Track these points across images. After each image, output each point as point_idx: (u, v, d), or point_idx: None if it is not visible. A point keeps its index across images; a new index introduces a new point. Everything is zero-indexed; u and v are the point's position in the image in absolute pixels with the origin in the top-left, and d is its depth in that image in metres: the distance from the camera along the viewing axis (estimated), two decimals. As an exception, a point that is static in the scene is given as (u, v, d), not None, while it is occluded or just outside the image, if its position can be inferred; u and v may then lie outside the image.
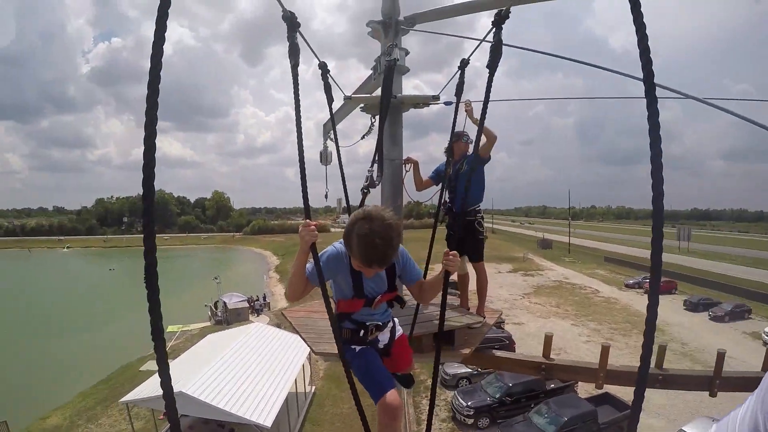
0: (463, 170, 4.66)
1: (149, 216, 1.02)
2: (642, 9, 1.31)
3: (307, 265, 2.54)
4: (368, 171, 3.53)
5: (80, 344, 34.59)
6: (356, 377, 2.58)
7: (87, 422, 21.01)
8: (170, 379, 1.30)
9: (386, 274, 2.71)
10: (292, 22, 2.36)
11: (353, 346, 2.80)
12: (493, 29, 2.47)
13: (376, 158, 3.73)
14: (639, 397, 1.43)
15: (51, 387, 25.85)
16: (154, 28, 1.13)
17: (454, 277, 2.85)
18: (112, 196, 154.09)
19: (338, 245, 2.64)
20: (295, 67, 2.38)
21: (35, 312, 45.44)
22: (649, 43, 1.33)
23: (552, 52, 3.28)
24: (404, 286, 3.08)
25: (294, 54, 2.38)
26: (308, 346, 3.43)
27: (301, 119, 2.31)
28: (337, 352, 3.17)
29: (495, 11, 2.49)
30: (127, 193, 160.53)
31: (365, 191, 3.61)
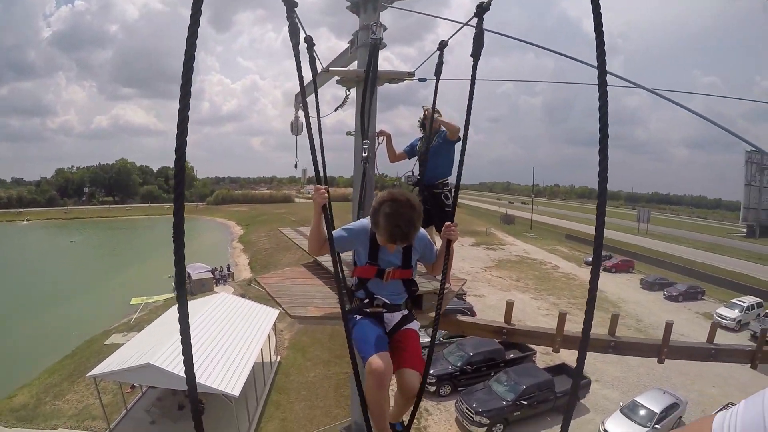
0: (434, 144, 4.84)
1: (180, 188, 1.15)
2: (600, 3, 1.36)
3: (334, 233, 2.76)
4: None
5: (44, 319, 33.59)
6: (354, 344, 2.70)
7: (54, 399, 20.65)
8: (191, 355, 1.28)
9: (402, 254, 2.90)
10: (290, 3, 2.43)
11: (356, 316, 2.92)
12: (475, 19, 2.60)
13: (360, 133, 3.94)
14: (582, 356, 1.56)
15: (15, 365, 25.14)
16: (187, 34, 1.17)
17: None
18: (72, 166, 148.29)
19: (365, 221, 2.91)
20: (296, 45, 2.51)
21: None
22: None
23: (525, 38, 3.45)
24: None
25: (294, 33, 2.49)
26: (284, 310, 3.50)
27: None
28: (310, 314, 3.34)
29: (474, 6, 2.60)
30: (88, 162, 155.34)
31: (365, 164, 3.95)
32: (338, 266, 2.84)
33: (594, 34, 1.37)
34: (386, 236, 2.61)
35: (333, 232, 2.78)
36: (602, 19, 1.37)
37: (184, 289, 1.24)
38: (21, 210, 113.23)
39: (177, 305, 1.25)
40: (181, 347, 1.25)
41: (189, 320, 1.26)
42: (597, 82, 1.39)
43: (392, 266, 2.88)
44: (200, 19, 1.18)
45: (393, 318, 2.95)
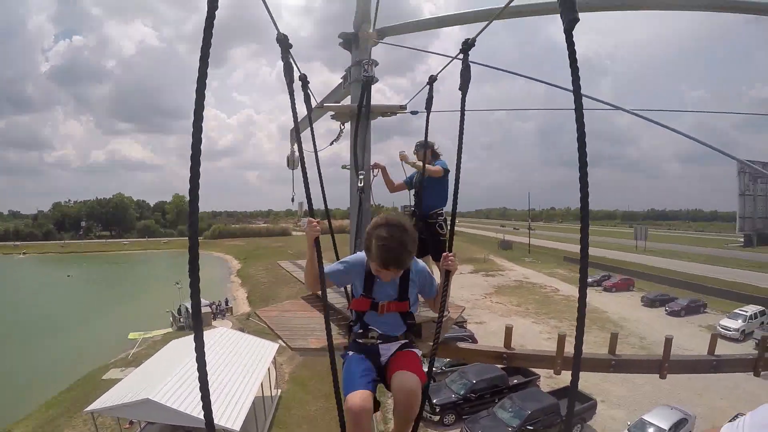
0: (426, 177, 4.94)
1: (194, 219, 1.18)
2: (573, 33, 1.41)
3: (326, 268, 2.76)
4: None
5: (41, 353, 33.36)
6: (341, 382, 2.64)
7: (52, 434, 20.31)
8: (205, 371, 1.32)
9: (399, 286, 2.83)
10: (285, 44, 2.49)
11: (349, 352, 2.88)
12: (461, 54, 2.66)
13: (354, 166, 4.01)
14: (576, 373, 1.51)
15: (11, 399, 24.82)
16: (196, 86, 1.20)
17: None
18: (69, 200, 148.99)
19: (361, 254, 2.87)
20: (290, 84, 2.57)
21: None
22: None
23: (513, 65, 3.54)
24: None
25: (289, 73, 2.56)
26: (284, 343, 3.52)
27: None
28: (310, 346, 3.35)
29: (463, 37, 2.67)
30: (86, 196, 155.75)
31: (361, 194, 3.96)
32: (327, 301, 2.79)
33: (568, 62, 1.42)
34: (379, 261, 2.55)
35: (330, 265, 2.80)
36: (575, 48, 1.41)
37: (201, 326, 1.25)
38: (18, 243, 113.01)
39: (193, 338, 1.27)
40: (200, 390, 1.28)
41: (189, 355, 1.28)
42: (573, 106, 1.41)
43: (388, 299, 2.83)
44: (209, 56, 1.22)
45: (389, 348, 2.85)
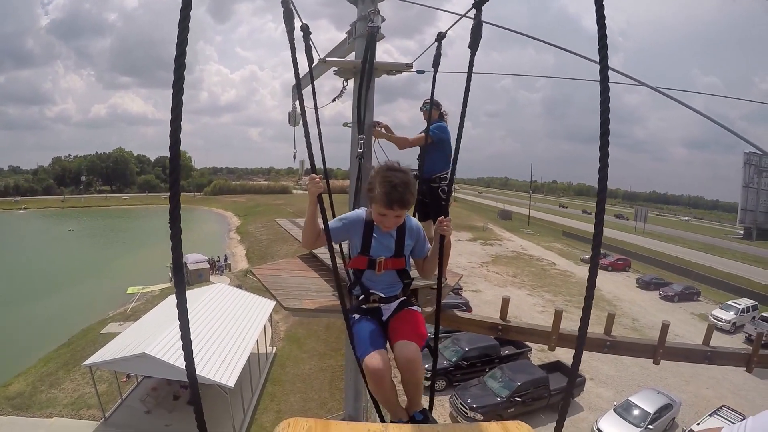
0: (429, 141, 4.83)
1: (176, 174, 1.13)
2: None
3: (329, 223, 2.79)
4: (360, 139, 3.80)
5: (40, 308, 33.56)
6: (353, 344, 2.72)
7: (50, 387, 20.64)
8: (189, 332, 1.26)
9: (395, 241, 2.85)
10: None
11: (354, 315, 2.86)
12: (474, 10, 2.52)
13: (356, 126, 3.90)
14: (578, 354, 1.50)
15: (11, 353, 24.99)
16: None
17: None
18: (69, 155, 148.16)
19: (360, 210, 2.90)
20: (291, 32, 2.50)
21: None
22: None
23: (525, 32, 3.36)
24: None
25: (289, 20, 2.48)
26: (278, 301, 3.48)
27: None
28: (304, 307, 3.32)
29: None
30: (86, 151, 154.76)
31: (360, 159, 3.87)
32: (335, 260, 2.80)
33: (596, 29, 1.34)
34: (384, 201, 2.58)
35: (328, 222, 2.78)
36: (605, 12, 1.32)
37: (183, 281, 1.20)
38: (18, 198, 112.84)
39: (175, 294, 1.23)
40: (181, 341, 1.23)
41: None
42: (599, 77, 1.35)
43: (385, 255, 2.83)
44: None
45: (390, 307, 2.89)
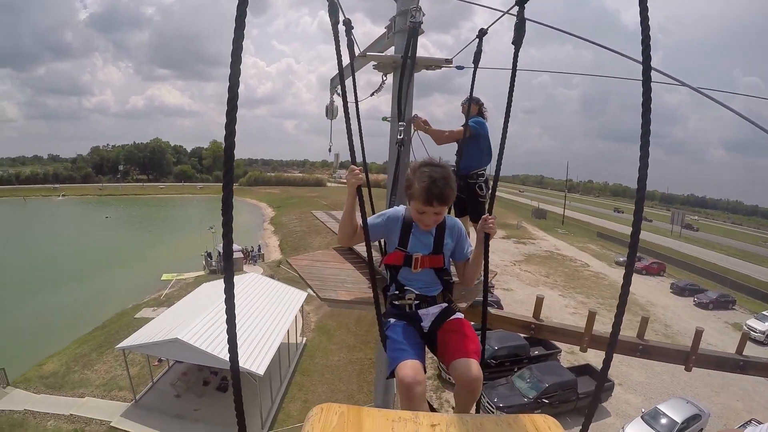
0: (468, 135, 4.79)
1: (229, 163, 1.15)
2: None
3: (368, 220, 2.72)
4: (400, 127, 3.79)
5: (76, 292, 34.67)
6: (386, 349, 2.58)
7: (83, 368, 21.31)
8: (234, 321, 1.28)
9: (434, 238, 2.73)
10: None
11: (390, 319, 2.69)
12: (516, 7, 2.51)
13: (395, 117, 3.91)
14: (609, 356, 1.51)
15: (47, 334, 26.03)
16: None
17: None
18: (108, 144, 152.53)
19: (399, 208, 2.81)
20: (335, 25, 2.51)
21: (31, 260, 45.10)
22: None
23: (566, 30, 3.32)
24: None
25: (334, 12, 2.50)
26: (314, 292, 3.50)
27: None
28: (339, 298, 3.33)
29: None
30: (123, 141, 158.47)
31: (400, 147, 3.81)
32: (371, 257, 2.74)
33: (640, 28, 1.33)
34: (423, 197, 2.48)
35: (367, 218, 2.71)
36: (648, 14, 1.31)
37: (232, 271, 1.22)
38: (57, 186, 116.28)
39: (224, 281, 1.24)
40: (226, 325, 1.25)
41: (219, 298, 1.25)
42: (641, 77, 1.34)
43: (422, 253, 2.72)
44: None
45: (429, 313, 2.71)
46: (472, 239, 2.98)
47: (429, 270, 2.75)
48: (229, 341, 1.27)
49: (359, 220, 2.72)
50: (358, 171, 2.59)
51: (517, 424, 1.52)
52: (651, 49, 1.33)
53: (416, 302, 2.69)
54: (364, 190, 2.92)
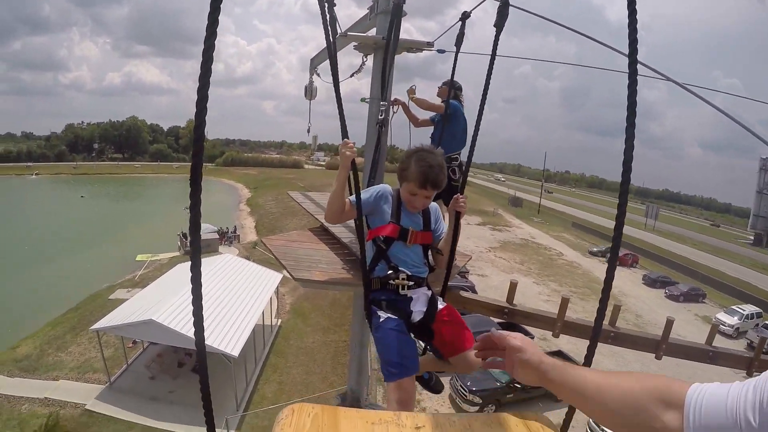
0: (438, 119, 4.84)
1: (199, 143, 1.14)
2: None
3: (352, 197, 2.65)
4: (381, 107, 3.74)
5: (50, 273, 33.95)
6: (377, 347, 2.54)
7: (57, 350, 21.02)
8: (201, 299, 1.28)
9: (422, 217, 2.79)
10: None
11: (379, 313, 2.60)
12: None
13: (375, 97, 3.88)
14: (593, 345, 1.55)
15: (20, 316, 25.51)
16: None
17: None
18: (83, 122, 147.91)
19: (383, 185, 2.86)
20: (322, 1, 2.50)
21: (2, 241, 43.58)
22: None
23: (551, 18, 3.32)
24: None
25: None
26: (288, 272, 3.47)
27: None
28: (314, 278, 3.32)
29: None
30: (99, 119, 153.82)
31: (380, 128, 3.71)
32: (363, 233, 2.72)
33: (625, 23, 1.37)
34: (418, 180, 2.54)
35: (352, 198, 2.67)
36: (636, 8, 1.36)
37: (199, 252, 1.21)
38: (30, 164, 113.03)
39: (190, 259, 1.24)
40: (192, 306, 1.25)
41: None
42: (627, 70, 1.38)
43: (414, 228, 2.73)
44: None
45: (417, 301, 2.66)
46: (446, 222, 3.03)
47: (418, 248, 2.76)
48: (194, 313, 1.27)
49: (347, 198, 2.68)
50: (351, 144, 2.54)
51: (507, 424, 1.49)
52: (638, 42, 1.36)
53: (410, 282, 2.64)
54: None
